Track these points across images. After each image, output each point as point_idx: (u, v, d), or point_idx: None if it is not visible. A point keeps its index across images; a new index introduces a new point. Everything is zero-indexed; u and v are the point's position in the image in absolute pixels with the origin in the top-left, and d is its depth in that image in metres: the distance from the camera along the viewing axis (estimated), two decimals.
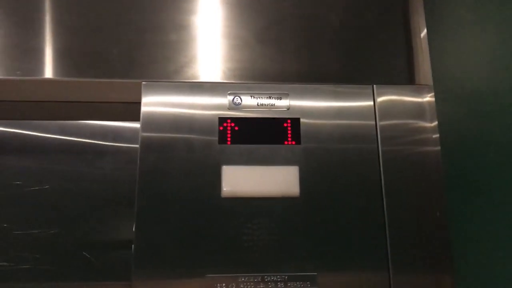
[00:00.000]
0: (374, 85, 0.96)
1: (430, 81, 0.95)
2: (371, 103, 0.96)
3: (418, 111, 0.96)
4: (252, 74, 0.97)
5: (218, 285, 0.83)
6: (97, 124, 0.98)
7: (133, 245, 0.84)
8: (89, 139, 0.98)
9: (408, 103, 0.96)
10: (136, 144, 0.92)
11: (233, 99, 0.93)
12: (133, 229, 0.85)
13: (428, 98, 0.96)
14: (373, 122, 0.95)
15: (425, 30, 0.99)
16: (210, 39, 0.99)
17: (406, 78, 1.00)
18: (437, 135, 0.92)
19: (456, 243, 0.85)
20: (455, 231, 0.85)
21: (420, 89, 0.97)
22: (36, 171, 0.96)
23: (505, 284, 0.71)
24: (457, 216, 0.84)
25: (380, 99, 0.96)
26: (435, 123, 0.94)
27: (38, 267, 0.91)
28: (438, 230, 0.89)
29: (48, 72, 0.94)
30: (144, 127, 0.90)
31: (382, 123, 0.95)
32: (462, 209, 0.83)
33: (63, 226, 0.94)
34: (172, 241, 0.85)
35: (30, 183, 0.96)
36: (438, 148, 0.92)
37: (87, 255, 0.92)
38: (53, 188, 0.95)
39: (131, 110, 0.93)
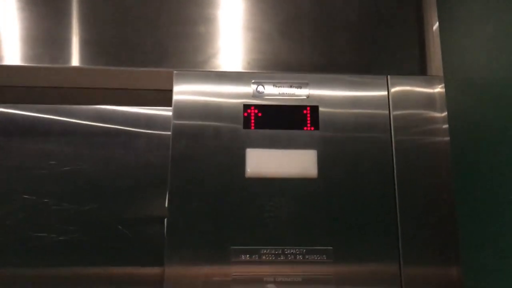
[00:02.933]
0: (388, 76, 1.02)
1: (441, 72, 1.00)
2: (385, 93, 1.02)
3: (429, 101, 1.01)
4: (274, 64, 1.04)
5: (242, 255, 0.91)
6: (131, 111, 1.06)
7: (165, 220, 0.93)
8: (124, 126, 1.05)
9: (420, 94, 1.02)
10: (167, 131, 0.99)
11: (257, 87, 1.00)
12: (166, 206, 0.93)
13: (439, 89, 1.01)
14: (387, 112, 1.00)
15: (437, 23, 1.02)
16: (235, 31, 1.06)
17: (418, 69, 1.06)
18: (447, 126, 0.97)
19: (463, 234, 0.88)
20: (462, 222, 0.88)
21: (431, 80, 1.03)
22: (75, 154, 1.04)
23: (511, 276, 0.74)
24: (465, 208, 0.88)
25: (393, 90, 1.02)
26: (445, 113, 0.98)
27: (76, 239, 1.00)
28: (447, 219, 0.94)
29: (87, 61, 1.02)
30: (176, 115, 0.97)
31: (396, 112, 1.00)
32: (470, 201, 0.86)
33: (99, 203, 1.02)
34: (200, 217, 0.93)
35: (68, 163, 1.04)
36: (448, 138, 0.96)
37: (121, 228, 1.00)
38: (90, 168, 1.03)
39: (163, 97, 1.00)
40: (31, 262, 0.98)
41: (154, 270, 0.96)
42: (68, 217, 1.00)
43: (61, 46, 1.01)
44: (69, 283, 0.98)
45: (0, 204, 1.00)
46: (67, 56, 1.02)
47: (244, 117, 0.98)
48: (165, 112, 1.05)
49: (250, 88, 1.00)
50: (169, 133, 0.97)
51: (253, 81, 1.00)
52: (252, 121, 0.98)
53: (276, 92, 1.00)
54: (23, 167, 1.02)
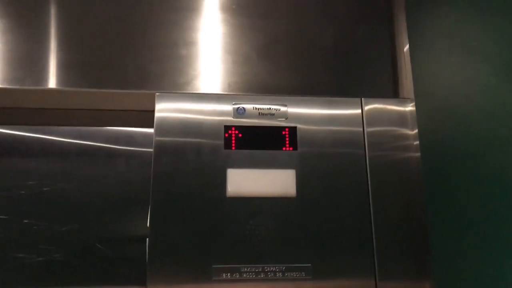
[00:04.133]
0: (362, 98, 1.07)
1: (412, 95, 1.05)
2: (359, 111, 1.06)
3: (401, 119, 1.06)
4: (253, 86, 1.07)
5: (224, 274, 0.93)
6: (113, 130, 1.08)
7: (147, 239, 0.94)
8: (105, 143, 1.07)
9: (392, 112, 1.07)
10: (149, 148, 1.01)
11: (237, 109, 1.03)
12: (148, 225, 0.94)
13: (410, 107, 1.07)
14: (361, 129, 1.05)
15: (408, 46, 1.08)
16: (215, 54, 1.09)
17: (391, 91, 1.11)
18: (418, 142, 1.02)
19: (434, 248, 0.92)
20: (433, 237, 0.92)
21: (403, 101, 1.08)
22: (55, 173, 1.04)
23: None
24: (436, 222, 0.92)
25: (367, 108, 1.06)
26: (416, 131, 1.03)
27: (56, 260, 0.99)
28: (419, 234, 0.98)
29: (69, 83, 1.03)
30: (158, 132, 0.99)
31: (369, 129, 1.05)
32: (441, 216, 0.89)
33: (79, 222, 1.02)
34: (182, 235, 0.94)
35: (48, 183, 1.04)
36: (419, 154, 1.01)
37: (102, 248, 1.01)
38: (70, 188, 1.04)
39: (145, 118, 1.02)
40: (10, 283, 0.97)
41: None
42: (48, 238, 1.00)
43: (43, 68, 1.02)
44: None
45: None
46: (48, 78, 1.03)
47: (225, 138, 1.00)
48: (146, 130, 1.07)
49: (231, 110, 1.03)
50: (151, 150, 0.98)
51: (233, 103, 1.03)
52: (233, 141, 1.01)
53: (256, 113, 1.03)
54: (1, 188, 1.02)
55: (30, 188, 1.03)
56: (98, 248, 1.01)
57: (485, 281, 0.76)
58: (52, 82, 1.02)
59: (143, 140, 1.07)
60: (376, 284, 0.95)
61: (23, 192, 1.03)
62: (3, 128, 1.05)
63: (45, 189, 1.03)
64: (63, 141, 1.06)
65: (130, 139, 1.07)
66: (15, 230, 1.00)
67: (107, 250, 1.01)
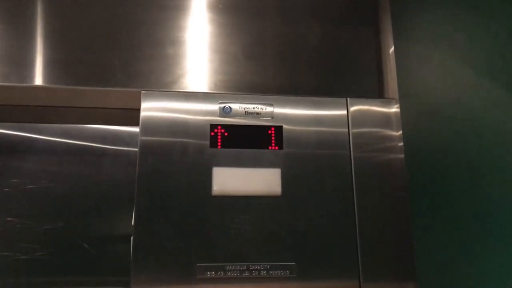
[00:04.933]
0: (348, 98, 1.08)
1: (397, 95, 1.07)
2: (345, 112, 1.07)
3: (386, 121, 1.07)
4: (240, 86, 1.08)
5: (208, 272, 0.93)
6: (99, 129, 1.07)
7: (132, 237, 0.93)
8: (90, 142, 1.06)
9: (377, 113, 1.08)
10: (135, 147, 1.01)
11: (223, 108, 1.03)
12: (132, 223, 0.94)
13: (395, 109, 1.08)
14: (346, 130, 1.06)
15: (393, 47, 1.10)
16: (202, 53, 1.09)
17: (376, 91, 1.12)
18: (402, 143, 1.03)
19: (419, 249, 0.93)
20: (418, 238, 0.93)
21: (388, 102, 1.10)
22: (39, 171, 1.04)
23: None
24: (420, 223, 0.93)
25: (352, 109, 1.07)
26: (400, 132, 1.04)
27: (41, 258, 0.99)
28: (404, 235, 0.99)
29: (55, 80, 1.02)
30: (143, 132, 0.99)
31: (354, 130, 1.06)
32: (425, 217, 0.91)
33: (64, 221, 1.01)
34: (166, 234, 0.94)
35: (32, 181, 1.03)
36: (403, 155, 1.02)
37: (87, 246, 1.00)
38: (55, 186, 1.03)
39: (131, 116, 1.02)
40: None
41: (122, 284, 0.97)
42: (33, 236, 1.00)
43: (29, 65, 1.02)
44: None
45: None
46: (34, 75, 1.02)
47: (211, 136, 1.01)
48: (132, 129, 1.07)
49: (217, 108, 1.03)
50: (136, 149, 0.98)
51: (219, 101, 1.04)
52: (219, 140, 1.01)
53: (242, 112, 1.04)
54: None
55: (14, 186, 1.02)
56: (82, 246, 1.00)
57: (470, 282, 0.77)
58: (37, 79, 1.01)
59: (129, 139, 1.06)
60: (360, 284, 0.96)
61: (7, 189, 1.02)
62: None
63: (29, 187, 1.03)
64: (48, 139, 1.05)
65: (116, 138, 1.07)
66: (0, 228, 0.99)
67: (91, 248, 1.00)
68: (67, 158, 1.05)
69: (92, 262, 1.00)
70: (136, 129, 1.03)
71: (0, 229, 0.99)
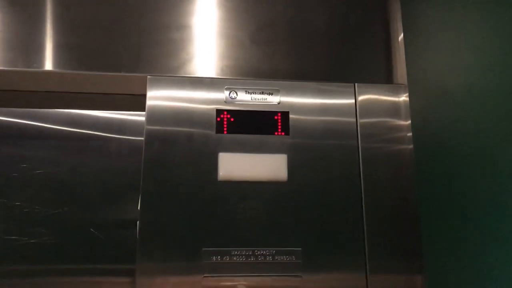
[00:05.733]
0: (356, 83, 1.07)
1: (406, 81, 1.05)
2: (353, 101, 1.06)
3: (394, 110, 1.06)
4: (246, 71, 1.07)
5: (213, 257, 0.93)
6: (104, 116, 1.07)
7: (138, 222, 0.94)
8: (97, 130, 1.06)
9: (385, 102, 1.06)
10: (140, 136, 1.00)
11: (229, 93, 1.03)
12: (138, 208, 0.94)
13: (404, 97, 1.06)
14: (354, 120, 1.05)
15: (402, 33, 1.08)
16: (208, 38, 1.09)
17: (384, 77, 1.10)
18: (411, 134, 1.01)
19: (426, 241, 0.91)
20: (425, 230, 0.92)
21: (397, 88, 1.08)
22: (47, 157, 1.04)
23: (473, 283, 0.76)
24: (428, 215, 0.91)
25: (360, 98, 1.06)
26: (409, 121, 1.02)
27: (47, 242, 1.00)
28: (411, 226, 0.98)
29: (61, 65, 1.03)
30: (149, 121, 0.99)
31: (362, 120, 1.05)
32: (433, 209, 0.89)
33: (71, 206, 1.02)
34: (172, 219, 0.94)
35: (40, 167, 1.04)
36: (411, 146, 1.01)
37: (93, 231, 1.01)
38: (62, 172, 1.04)
39: (137, 102, 1.02)
40: (2, 264, 0.98)
41: (127, 271, 0.97)
42: (41, 220, 1.00)
43: (35, 50, 1.02)
44: (41, 284, 0.97)
45: None
46: (40, 60, 1.02)
47: (217, 122, 1.00)
48: (138, 117, 1.07)
49: (223, 94, 1.02)
50: (142, 138, 0.98)
51: (226, 87, 1.03)
52: (225, 126, 1.00)
53: (248, 98, 1.03)
54: None
55: (22, 171, 1.03)
56: (89, 230, 1.01)
57: (478, 275, 0.76)
58: (44, 64, 1.02)
59: (135, 128, 1.06)
60: (366, 271, 0.96)
61: (15, 175, 1.03)
62: None
63: (37, 172, 1.03)
64: (56, 127, 1.05)
65: (121, 126, 1.07)
66: (7, 212, 1.00)
67: (97, 233, 1.01)
68: (74, 145, 1.05)
69: (98, 245, 1.00)
70: (141, 118, 1.02)
71: (8, 213, 1.00)
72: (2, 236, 0.99)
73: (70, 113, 1.07)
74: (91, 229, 1.01)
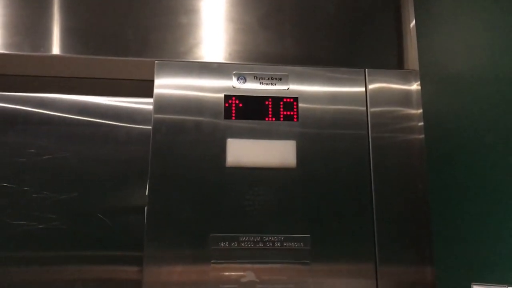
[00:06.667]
0: (366, 69, 1.05)
1: (417, 66, 1.03)
2: (363, 89, 1.04)
3: (406, 98, 1.04)
4: (255, 56, 1.06)
5: (221, 243, 0.93)
6: (112, 105, 1.07)
7: (146, 207, 0.93)
8: (104, 118, 1.06)
9: (396, 91, 1.04)
10: (148, 124, 1.00)
11: (238, 78, 1.01)
12: (146, 194, 0.94)
13: (416, 85, 1.04)
14: (364, 108, 1.03)
15: (414, 18, 1.05)
16: (217, 23, 1.07)
17: (395, 63, 1.09)
18: (422, 123, 0.99)
19: (436, 231, 0.90)
20: (436, 220, 0.90)
21: (408, 74, 1.06)
22: (56, 143, 1.04)
23: (483, 273, 0.76)
24: (439, 206, 0.89)
25: (371, 86, 1.04)
26: (421, 110, 1.01)
27: (56, 227, 1.00)
28: (421, 216, 0.97)
29: (68, 49, 1.02)
30: (157, 109, 0.98)
31: (373, 109, 1.03)
32: (444, 199, 0.88)
33: (79, 191, 1.02)
34: (180, 205, 0.94)
35: (48, 152, 1.04)
36: (423, 136, 0.99)
37: (102, 216, 1.01)
38: (70, 158, 1.04)
39: (145, 88, 1.01)
40: (11, 249, 0.98)
41: (134, 257, 0.97)
42: (49, 206, 1.00)
43: (42, 34, 1.01)
44: (49, 270, 0.98)
45: None
46: (47, 44, 1.01)
47: (225, 107, 0.99)
48: (145, 105, 1.06)
49: (231, 80, 1.01)
50: (149, 127, 0.98)
51: (234, 72, 1.02)
52: (233, 111, 0.99)
53: (257, 83, 1.02)
54: (2, 156, 1.02)
55: (30, 156, 1.03)
56: (97, 216, 1.01)
57: (490, 265, 0.75)
58: (51, 49, 1.01)
59: (143, 115, 1.06)
60: (376, 267, 0.95)
61: (23, 160, 1.03)
62: (4, 98, 1.04)
63: (45, 157, 1.03)
64: (64, 115, 1.05)
65: (129, 113, 1.06)
66: (16, 197, 1.00)
67: (106, 218, 1.01)
68: (82, 132, 1.05)
69: (106, 231, 1.00)
70: (149, 106, 1.02)
71: (17, 198, 1.00)
72: (11, 221, 0.99)
73: (78, 99, 1.06)
74: (99, 215, 1.01)
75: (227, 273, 0.92)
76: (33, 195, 1.01)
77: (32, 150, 1.03)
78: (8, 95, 1.04)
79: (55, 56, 1.01)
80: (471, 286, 0.77)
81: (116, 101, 1.07)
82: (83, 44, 1.02)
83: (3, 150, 1.02)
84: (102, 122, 1.05)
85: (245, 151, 0.97)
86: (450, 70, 0.91)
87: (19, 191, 1.01)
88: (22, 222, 0.99)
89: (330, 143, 1.00)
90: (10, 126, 1.04)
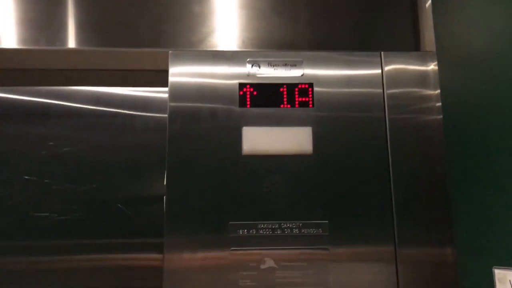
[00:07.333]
0: (382, 52, 1.03)
1: (434, 48, 1.01)
2: (379, 71, 1.03)
3: (423, 79, 1.02)
4: (268, 42, 1.05)
5: (240, 230, 0.93)
6: (129, 94, 1.07)
7: (164, 197, 0.94)
8: (121, 108, 1.07)
9: (413, 72, 1.03)
10: (164, 113, 1.00)
11: (252, 66, 1.01)
12: (164, 184, 0.95)
13: (432, 66, 1.02)
14: (381, 90, 1.02)
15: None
16: (229, 10, 1.07)
17: (412, 45, 1.07)
18: (440, 104, 0.98)
19: (457, 212, 0.87)
20: (456, 201, 0.88)
21: (424, 56, 1.04)
22: (74, 135, 1.05)
23: (505, 256, 0.74)
24: (458, 186, 0.87)
25: (387, 68, 1.03)
26: (438, 91, 0.99)
27: (77, 218, 1.02)
28: (441, 198, 0.96)
29: (83, 42, 1.03)
30: (172, 98, 0.98)
31: (389, 91, 1.01)
32: (463, 179, 0.85)
33: (98, 183, 1.03)
34: (199, 193, 0.94)
35: (67, 145, 1.05)
36: (441, 116, 0.97)
37: (121, 207, 1.02)
38: (89, 149, 1.05)
39: (159, 78, 1.01)
40: (33, 241, 1.00)
41: (155, 245, 0.98)
42: (69, 197, 1.02)
43: (57, 28, 1.02)
44: (72, 258, 1.00)
45: (2, 185, 1.01)
46: (63, 38, 1.02)
47: (240, 95, 0.99)
48: (161, 94, 1.06)
49: (245, 67, 1.01)
50: (166, 115, 0.98)
51: (248, 59, 1.01)
52: (248, 99, 0.99)
53: (271, 70, 1.01)
54: (23, 149, 1.04)
55: (50, 149, 1.04)
56: (116, 206, 1.02)
57: (511, 249, 0.74)
58: (66, 42, 1.02)
59: (159, 104, 1.06)
60: (395, 243, 0.94)
61: (43, 152, 1.04)
62: (23, 92, 1.06)
63: (65, 149, 1.04)
64: (82, 102, 1.06)
65: (145, 103, 1.07)
66: (37, 190, 1.02)
67: (125, 209, 1.02)
68: (100, 123, 1.06)
69: (126, 221, 1.02)
70: (164, 95, 1.02)
71: (39, 190, 1.02)
72: (33, 213, 1.01)
73: (95, 90, 1.07)
74: (119, 205, 1.02)
75: (246, 260, 0.92)
76: (54, 187, 1.03)
77: (52, 143, 1.04)
78: (26, 89, 1.06)
79: (71, 50, 1.02)
80: (493, 269, 0.76)
81: (132, 91, 1.07)
82: (98, 36, 1.03)
83: (24, 143, 1.04)
84: (119, 112, 1.06)
85: (260, 139, 0.97)
86: (468, 49, 0.88)
87: (40, 183, 1.03)
88: (44, 214, 1.01)
89: (346, 127, 0.99)
90: (29, 120, 1.05)
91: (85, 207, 1.02)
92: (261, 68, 1.01)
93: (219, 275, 0.91)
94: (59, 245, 1.01)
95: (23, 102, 1.06)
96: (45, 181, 1.03)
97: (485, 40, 0.83)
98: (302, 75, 1.01)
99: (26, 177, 1.03)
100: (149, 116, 1.06)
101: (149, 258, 1.01)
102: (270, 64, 1.01)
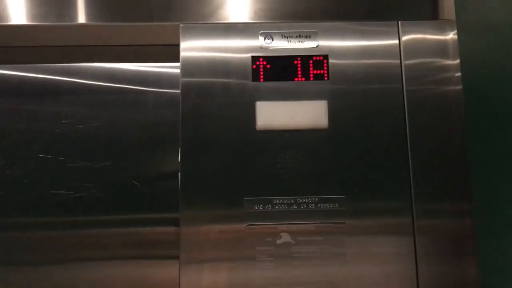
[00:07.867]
0: (399, 21, 1.00)
1: (453, 16, 0.97)
2: (396, 41, 1.00)
3: (441, 49, 0.99)
4: (281, 13, 1.02)
5: (256, 206, 0.93)
6: (140, 70, 1.06)
7: (179, 173, 0.94)
8: (133, 84, 1.05)
9: (432, 41, 1.00)
10: (177, 89, 0.99)
11: (265, 38, 0.99)
12: (179, 160, 0.94)
13: (451, 35, 0.99)
14: (398, 61, 0.99)
15: None
16: None
17: (430, 13, 1.03)
18: (459, 74, 0.95)
19: (477, 185, 0.87)
20: (476, 173, 0.87)
21: (443, 25, 1.00)
22: (88, 112, 1.05)
23: None
24: (478, 158, 0.86)
25: (404, 38, 0.99)
26: (458, 61, 0.96)
27: (93, 196, 1.02)
28: (460, 170, 0.94)
29: (93, 17, 1.01)
30: (184, 73, 0.97)
31: (407, 62, 0.99)
32: (483, 151, 0.85)
33: (113, 160, 1.03)
34: (213, 170, 0.94)
35: (81, 122, 1.05)
36: (460, 87, 0.95)
37: (136, 184, 1.02)
38: (103, 126, 1.04)
39: (171, 52, 0.99)
40: (50, 219, 1.01)
41: (171, 221, 0.99)
42: (84, 175, 1.02)
43: (66, 4, 1.00)
44: (87, 237, 1.01)
45: (17, 164, 1.02)
46: (72, 13, 1.01)
47: (253, 69, 0.97)
48: (173, 69, 1.04)
49: (258, 39, 0.98)
50: (178, 91, 0.97)
51: (260, 32, 0.99)
52: (261, 73, 0.97)
53: (285, 42, 0.99)
54: (37, 127, 1.04)
55: (64, 126, 1.04)
56: (132, 183, 1.02)
57: None
58: (76, 18, 1.00)
59: (170, 80, 1.04)
60: (413, 217, 0.93)
61: (57, 130, 1.04)
62: (33, 69, 1.05)
63: (79, 127, 1.04)
64: (94, 79, 1.05)
65: (157, 79, 1.05)
66: (53, 168, 1.03)
67: (141, 186, 1.02)
68: (113, 100, 1.05)
69: (142, 197, 1.02)
70: (176, 70, 1.01)
71: (54, 169, 1.02)
72: (50, 191, 1.02)
73: (106, 66, 1.06)
74: (134, 182, 1.02)
75: (262, 235, 0.93)
76: (69, 164, 1.03)
77: (65, 120, 1.04)
78: (36, 66, 1.05)
79: (81, 25, 1.00)
80: None
81: (143, 66, 1.06)
82: (107, 11, 1.01)
83: (37, 121, 1.04)
84: (131, 88, 1.05)
85: (274, 114, 0.96)
86: (489, 17, 0.86)
87: (55, 161, 1.03)
88: (60, 192, 1.02)
89: (362, 100, 0.97)
90: (42, 97, 1.05)
91: (101, 185, 1.02)
92: (274, 40, 0.98)
93: (234, 251, 0.92)
94: (77, 221, 1.02)
95: (34, 79, 1.05)
96: (60, 159, 1.03)
97: (507, 7, 0.80)
98: (316, 46, 0.98)
99: (41, 155, 1.03)
100: (161, 92, 1.05)
101: (166, 232, 1.01)
102: (284, 36, 0.99)
